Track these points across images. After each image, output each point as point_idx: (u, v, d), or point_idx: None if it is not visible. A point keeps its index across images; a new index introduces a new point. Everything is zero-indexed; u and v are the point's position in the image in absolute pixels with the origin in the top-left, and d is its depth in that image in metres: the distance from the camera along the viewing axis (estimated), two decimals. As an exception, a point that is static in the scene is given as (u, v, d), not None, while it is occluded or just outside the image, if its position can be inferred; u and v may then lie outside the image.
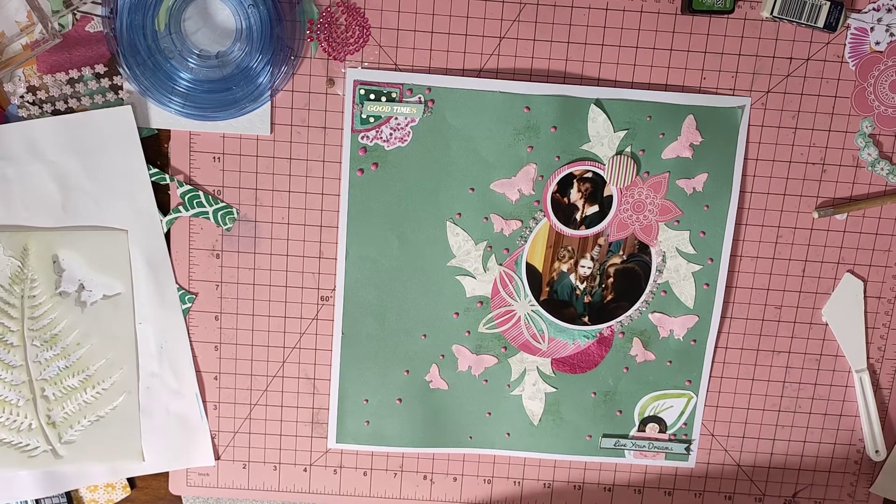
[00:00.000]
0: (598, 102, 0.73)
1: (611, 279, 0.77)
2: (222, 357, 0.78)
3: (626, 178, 0.74)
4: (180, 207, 0.74)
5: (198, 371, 0.78)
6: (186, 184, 0.74)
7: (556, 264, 0.76)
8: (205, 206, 0.74)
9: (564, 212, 0.75)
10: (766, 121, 0.75)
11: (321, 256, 0.76)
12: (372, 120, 0.73)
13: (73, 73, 0.70)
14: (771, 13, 0.71)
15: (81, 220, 0.73)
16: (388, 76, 0.72)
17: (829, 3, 0.71)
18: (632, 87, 0.73)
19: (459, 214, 0.75)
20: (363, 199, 0.74)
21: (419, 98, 0.73)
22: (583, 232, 0.76)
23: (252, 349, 0.78)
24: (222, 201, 0.75)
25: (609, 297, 0.77)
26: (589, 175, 0.75)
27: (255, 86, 0.71)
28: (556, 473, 0.81)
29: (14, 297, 0.74)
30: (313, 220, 0.75)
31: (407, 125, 0.73)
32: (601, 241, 0.76)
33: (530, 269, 0.76)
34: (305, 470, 0.81)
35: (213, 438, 0.79)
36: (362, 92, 0.72)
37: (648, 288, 0.77)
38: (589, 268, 0.76)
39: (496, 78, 0.73)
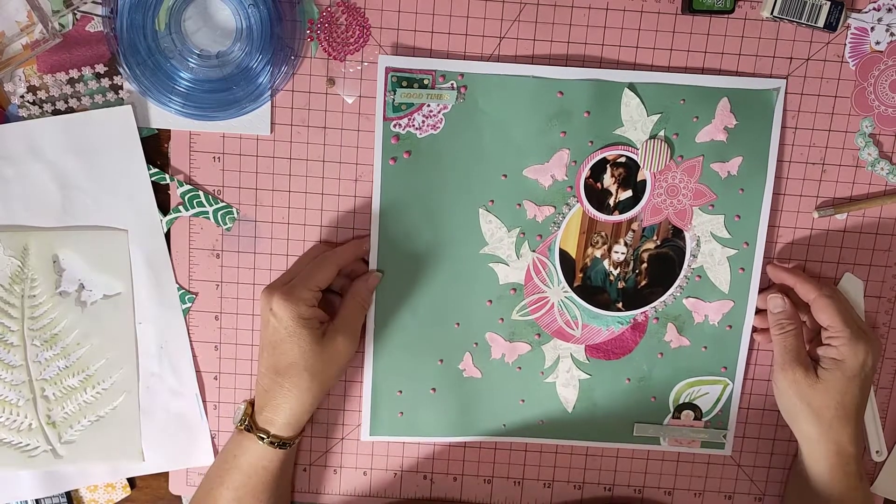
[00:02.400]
0: (632, 86, 0.72)
1: (644, 264, 0.76)
2: (222, 357, 0.78)
3: (659, 163, 0.74)
4: (180, 207, 0.74)
5: (198, 371, 0.78)
6: (186, 184, 0.74)
7: (590, 250, 0.76)
8: (205, 206, 0.74)
9: (598, 197, 0.75)
10: (767, 121, 0.75)
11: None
12: (404, 108, 0.72)
13: (73, 73, 0.70)
14: (771, 13, 0.71)
15: (81, 220, 0.73)
16: (421, 63, 0.71)
17: (829, 3, 0.71)
18: (650, 70, 0.73)
19: (492, 201, 0.74)
20: (395, 187, 0.74)
21: (451, 84, 0.72)
22: (616, 217, 0.75)
23: (252, 349, 0.78)
24: (222, 201, 0.75)
25: (643, 283, 0.77)
26: (622, 160, 0.74)
27: (256, 86, 0.71)
28: (556, 473, 0.81)
29: (14, 296, 0.74)
30: (313, 219, 0.75)
31: (439, 112, 0.72)
32: (635, 226, 0.75)
33: (563, 255, 0.76)
34: (305, 470, 0.80)
35: (213, 438, 0.79)
36: (394, 79, 0.72)
37: (683, 273, 0.76)
38: (622, 253, 0.76)
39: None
